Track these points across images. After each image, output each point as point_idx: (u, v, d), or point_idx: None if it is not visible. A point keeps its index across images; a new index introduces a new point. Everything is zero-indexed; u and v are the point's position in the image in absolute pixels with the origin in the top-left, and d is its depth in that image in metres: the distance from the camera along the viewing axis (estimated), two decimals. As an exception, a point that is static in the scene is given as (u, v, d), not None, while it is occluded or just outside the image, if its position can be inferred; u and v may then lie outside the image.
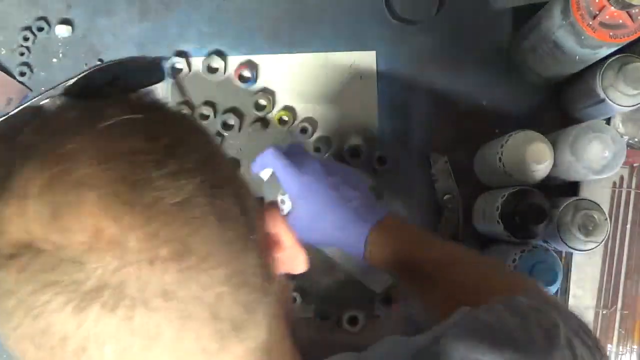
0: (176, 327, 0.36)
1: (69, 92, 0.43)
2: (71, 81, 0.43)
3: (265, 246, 0.44)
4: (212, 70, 0.95)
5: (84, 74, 0.43)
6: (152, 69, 0.50)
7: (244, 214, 0.40)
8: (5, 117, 0.42)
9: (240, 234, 0.40)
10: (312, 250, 0.84)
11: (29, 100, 0.43)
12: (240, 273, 0.39)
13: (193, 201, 0.37)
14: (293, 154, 0.75)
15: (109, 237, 0.35)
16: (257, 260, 0.41)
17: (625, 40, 0.73)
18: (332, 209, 0.72)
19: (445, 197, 0.93)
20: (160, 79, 0.49)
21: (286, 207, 0.78)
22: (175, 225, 0.36)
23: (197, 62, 0.95)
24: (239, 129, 0.95)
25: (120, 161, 0.36)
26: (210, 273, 0.37)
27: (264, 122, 0.95)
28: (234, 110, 0.95)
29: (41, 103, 0.43)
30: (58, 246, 0.35)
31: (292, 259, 0.47)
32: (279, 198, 0.80)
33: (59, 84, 0.43)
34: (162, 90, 0.95)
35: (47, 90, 0.43)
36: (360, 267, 0.91)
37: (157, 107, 0.43)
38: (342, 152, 0.94)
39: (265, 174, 0.78)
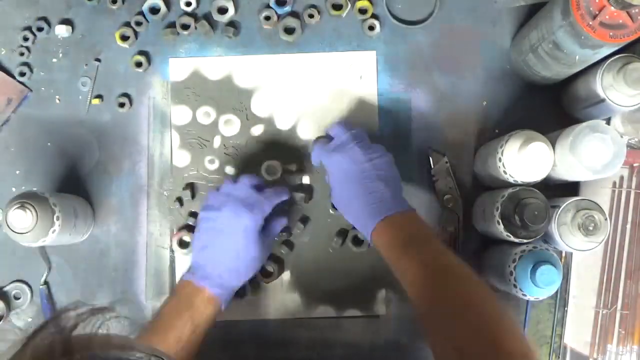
0: None
1: None
2: None
3: None
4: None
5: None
6: None
7: None
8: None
9: None
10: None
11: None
12: None
13: None
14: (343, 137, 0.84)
15: None
16: None
17: (625, 40, 0.73)
18: (352, 197, 0.81)
19: (445, 197, 0.93)
20: None
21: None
22: None
23: (197, 62, 0.95)
24: (239, 129, 0.95)
25: None
26: None
27: (265, 123, 0.95)
28: (234, 111, 0.95)
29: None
30: None
31: None
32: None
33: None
34: (162, 91, 0.95)
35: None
36: None
37: None
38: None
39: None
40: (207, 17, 0.95)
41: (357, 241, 0.93)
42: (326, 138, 0.88)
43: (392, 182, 0.81)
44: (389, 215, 0.78)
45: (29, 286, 0.94)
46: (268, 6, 0.95)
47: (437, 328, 0.69)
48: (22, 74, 0.95)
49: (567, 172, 0.80)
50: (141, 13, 0.95)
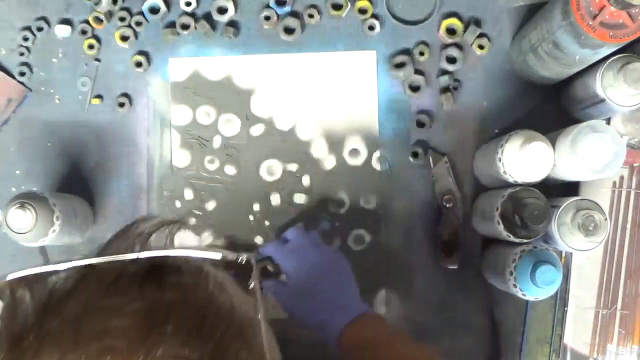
0: None
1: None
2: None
3: None
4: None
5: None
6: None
7: None
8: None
9: None
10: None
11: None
12: None
13: None
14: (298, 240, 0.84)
15: None
16: None
17: (625, 40, 0.73)
18: (318, 293, 0.79)
19: (445, 197, 0.93)
20: None
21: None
22: None
23: (197, 62, 0.95)
24: (239, 129, 0.95)
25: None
26: None
27: (265, 123, 0.95)
28: (234, 111, 0.95)
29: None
30: None
31: None
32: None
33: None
34: (163, 93, 0.95)
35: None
36: None
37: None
38: (342, 154, 0.94)
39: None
40: (207, 17, 0.95)
41: (358, 241, 0.93)
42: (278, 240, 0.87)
43: (355, 282, 0.81)
44: (354, 319, 0.76)
45: (29, 286, 0.94)
46: (268, 6, 0.95)
47: None
48: (22, 74, 0.95)
49: (567, 172, 0.80)
50: (141, 13, 0.95)
